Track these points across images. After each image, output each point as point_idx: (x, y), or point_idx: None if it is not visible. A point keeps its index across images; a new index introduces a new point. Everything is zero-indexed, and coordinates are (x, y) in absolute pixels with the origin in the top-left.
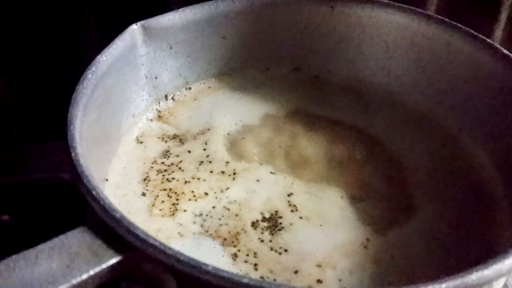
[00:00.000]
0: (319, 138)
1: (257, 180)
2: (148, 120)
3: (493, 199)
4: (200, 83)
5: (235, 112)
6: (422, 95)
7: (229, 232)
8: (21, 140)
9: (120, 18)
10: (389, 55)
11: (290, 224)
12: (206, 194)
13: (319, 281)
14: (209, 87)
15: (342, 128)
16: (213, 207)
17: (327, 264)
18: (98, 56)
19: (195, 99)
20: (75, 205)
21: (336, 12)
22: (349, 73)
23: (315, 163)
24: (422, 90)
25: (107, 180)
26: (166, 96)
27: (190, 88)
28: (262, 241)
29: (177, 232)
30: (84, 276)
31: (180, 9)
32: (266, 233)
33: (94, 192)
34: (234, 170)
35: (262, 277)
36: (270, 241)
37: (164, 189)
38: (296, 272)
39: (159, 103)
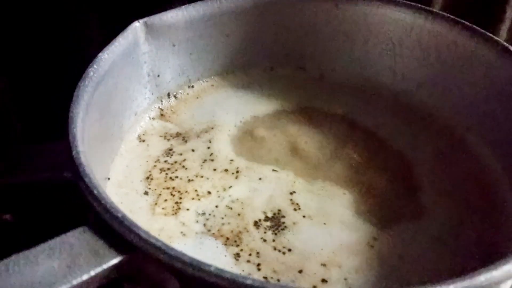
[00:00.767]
0: (323, 137)
1: (260, 179)
2: (150, 118)
3: (500, 200)
4: (203, 82)
5: (238, 110)
6: (428, 94)
7: (232, 232)
8: (22, 139)
9: (123, 15)
10: (394, 53)
11: (293, 223)
12: (209, 193)
13: (324, 280)
14: (212, 86)
15: (347, 127)
16: (216, 206)
17: (332, 263)
18: (100, 54)
19: (197, 98)
20: (77, 205)
21: (341, 10)
22: (354, 72)
23: (318, 162)
24: (428, 89)
25: (109, 179)
26: (168, 94)
27: (192, 87)
28: (265, 240)
29: (179, 231)
30: (85, 277)
31: (183, 7)
32: (269, 232)
33: (95, 192)
34: (237, 168)
35: (265, 277)
36: (273, 240)
37: (167, 188)
38: (300, 271)
39: (162, 101)
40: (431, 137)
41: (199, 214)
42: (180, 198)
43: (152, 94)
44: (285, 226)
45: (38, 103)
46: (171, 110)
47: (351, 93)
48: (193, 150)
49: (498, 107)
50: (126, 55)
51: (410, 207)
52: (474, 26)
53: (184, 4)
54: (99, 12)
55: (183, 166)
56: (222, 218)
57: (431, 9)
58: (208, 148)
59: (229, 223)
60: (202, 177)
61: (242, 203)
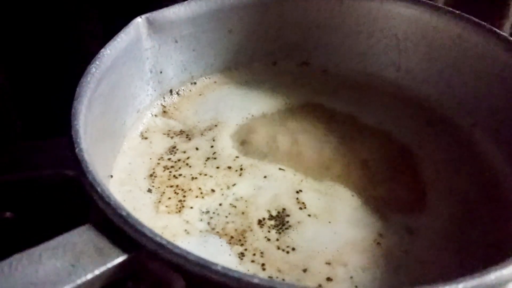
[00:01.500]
0: (328, 133)
1: (265, 177)
2: (153, 115)
3: (506, 197)
4: (206, 78)
5: (242, 107)
6: (433, 89)
7: (236, 230)
8: (23, 136)
9: (124, 11)
10: (399, 48)
11: (298, 222)
12: (213, 191)
13: (329, 279)
14: (215, 82)
15: (352, 123)
16: (220, 204)
17: (338, 262)
18: (102, 50)
19: (200, 94)
20: (78, 202)
21: (345, 5)
22: (359, 67)
23: (324, 159)
24: (433, 84)
25: (111, 176)
26: (171, 91)
27: (195, 83)
28: (268, 240)
29: (183, 230)
30: (89, 276)
31: (186, 2)
32: (273, 231)
33: (99, 189)
34: (241, 166)
35: (270, 277)
36: (277, 240)
37: (171, 186)
38: (305, 270)
39: (164, 98)
40: (436, 133)
41: (203, 212)
42: (184, 196)
43: (155, 90)
44: (290, 225)
45: (39, 99)
46: (174, 107)
47: (355, 88)
48: (197, 149)
49: (504, 103)
50: (128, 51)
51: (416, 203)
52: (479, 21)
53: None
54: (100, 8)
55: (187, 164)
56: (226, 216)
57: (436, 4)
58: (212, 146)
59: (233, 222)
60: (206, 175)
61: (246, 201)
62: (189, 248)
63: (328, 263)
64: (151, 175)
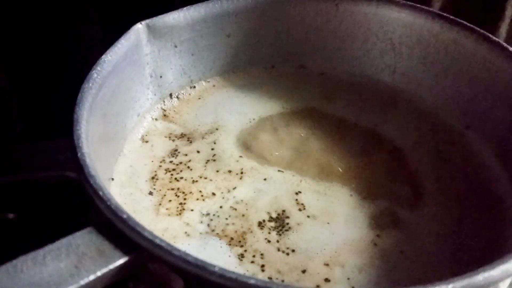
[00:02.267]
0: (325, 135)
1: (265, 179)
2: (153, 119)
3: (499, 198)
4: (205, 82)
5: (241, 110)
6: (428, 92)
7: (236, 232)
8: (24, 137)
9: (124, 16)
10: (394, 52)
11: (298, 224)
12: (214, 194)
13: (327, 280)
14: (214, 86)
15: (348, 126)
16: (220, 207)
17: (335, 263)
18: (103, 56)
19: (199, 98)
20: (79, 204)
21: (341, 10)
22: (355, 71)
23: (322, 161)
24: (428, 88)
25: (112, 179)
26: (170, 95)
27: (194, 87)
28: (269, 241)
29: (183, 232)
30: (92, 277)
31: (185, 8)
32: (273, 233)
33: (101, 193)
34: (242, 169)
35: (270, 278)
36: (277, 241)
37: (172, 189)
38: (304, 271)
39: (164, 102)
40: (432, 135)
41: (203, 214)
42: (185, 198)
43: (155, 95)
44: (289, 227)
45: (39, 101)
46: (174, 110)
47: (352, 91)
48: (198, 152)
49: (497, 105)
50: (128, 57)
51: (411, 204)
52: (473, 26)
53: (186, 5)
54: (100, 12)
55: (188, 167)
56: (226, 218)
57: (430, 9)
58: (213, 149)
59: (233, 224)
60: (206, 178)
61: (246, 204)
62: (190, 250)
63: (326, 264)
64: (152, 178)
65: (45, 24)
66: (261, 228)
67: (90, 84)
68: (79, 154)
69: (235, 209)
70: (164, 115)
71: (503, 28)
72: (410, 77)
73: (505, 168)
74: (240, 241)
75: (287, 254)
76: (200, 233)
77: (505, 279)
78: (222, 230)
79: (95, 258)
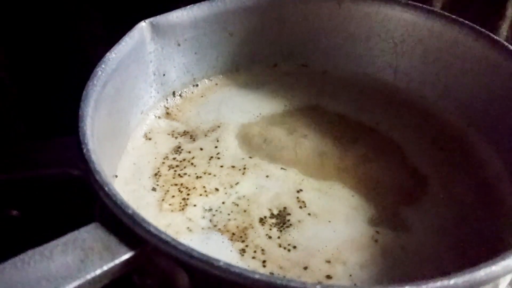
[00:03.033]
0: (328, 134)
1: (267, 176)
2: (156, 117)
3: (500, 195)
4: (208, 80)
5: (243, 108)
6: (429, 91)
7: (237, 227)
8: (26, 135)
9: (127, 15)
10: (396, 51)
11: (299, 221)
12: (217, 189)
13: (328, 276)
14: (216, 84)
15: (350, 124)
16: (223, 203)
17: (337, 260)
18: (108, 54)
19: (202, 96)
20: (82, 200)
21: (343, 9)
22: (357, 69)
23: (324, 159)
24: (429, 86)
25: (116, 176)
26: (173, 93)
27: (197, 85)
28: (270, 237)
29: (186, 227)
30: (98, 271)
31: (188, 6)
32: (274, 229)
33: (106, 188)
34: (245, 165)
35: (271, 273)
36: (278, 237)
37: (175, 184)
38: (305, 268)
39: (167, 99)
40: (433, 134)
41: (206, 210)
42: (188, 194)
43: (158, 92)
44: (290, 224)
45: (41, 100)
46: (177, 108)
47: (354, 90)
48: (201, 149)
49: (498, 104)
50: (132, 54)
51: (412, 201)
52: (474, 25)
53: (189, 4)
54: (103, 11)
55: (192, 163)
56: (229, 214)
57: (432, 8)
58: (216, 147)
59: (235, 219)
60: (210, 173)
61: (248, 199)
62: (192, 245)
63: (328, 261)
64: (155, 174)
65: (46, 23)
66: (262, 224)
67: (95, 81)
68: (84, 150)
69: (237, 205)
70: (167, 113)
71: (504, 27)
72: (411, 75)
73: (506, 165)
74: (241, 237)
75: (288, 250)
76: (202, 228)
77: (506, 275)
78: (224, 226)
79: (101, 253)
